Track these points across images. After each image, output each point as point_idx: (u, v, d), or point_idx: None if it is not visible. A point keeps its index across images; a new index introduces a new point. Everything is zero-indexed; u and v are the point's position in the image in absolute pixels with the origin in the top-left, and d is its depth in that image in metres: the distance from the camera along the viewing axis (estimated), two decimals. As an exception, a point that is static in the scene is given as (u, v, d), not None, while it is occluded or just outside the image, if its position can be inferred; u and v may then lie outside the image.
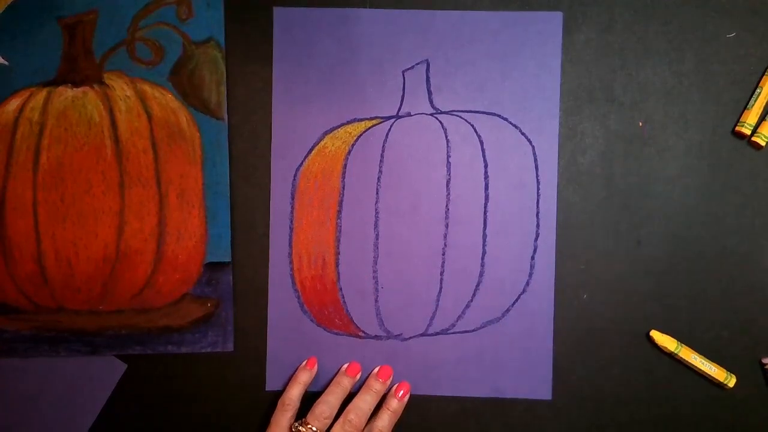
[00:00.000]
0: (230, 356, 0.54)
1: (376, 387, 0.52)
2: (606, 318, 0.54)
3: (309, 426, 0.50)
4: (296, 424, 0.50)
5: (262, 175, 0.54)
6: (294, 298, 0.54)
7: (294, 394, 0.52)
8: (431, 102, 0.54)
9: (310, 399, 0.52)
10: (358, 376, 0.53)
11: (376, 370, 0.54)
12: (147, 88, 0.53)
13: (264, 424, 0.54)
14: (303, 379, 0.53)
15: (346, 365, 0.54)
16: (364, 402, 0.51)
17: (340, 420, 0.50)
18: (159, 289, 0.54)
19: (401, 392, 0.53)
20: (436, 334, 0.54)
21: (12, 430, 0.53)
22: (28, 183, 0.53)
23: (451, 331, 0.54)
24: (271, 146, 0.54)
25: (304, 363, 0.54)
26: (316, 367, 0.54)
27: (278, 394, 0.54)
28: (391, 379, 0.53)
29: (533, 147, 0.54)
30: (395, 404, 0.52)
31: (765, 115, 0.53)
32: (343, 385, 0.52)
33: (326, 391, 0.52)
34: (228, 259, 0.54)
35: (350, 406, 0.51)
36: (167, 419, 0.54)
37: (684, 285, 0.53)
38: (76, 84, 0.53)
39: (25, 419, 0.53)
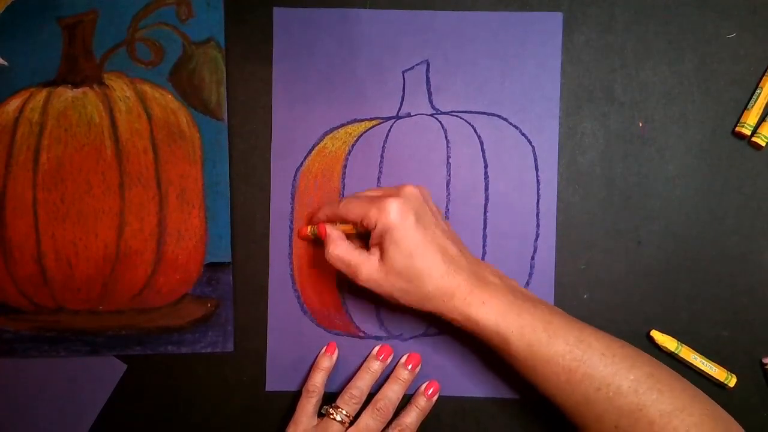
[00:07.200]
0: (230, 356, 0.54)
1: (403, 376, 0.52)
2: (606, 318, 0.54)
3: (339, 409, 0.50)
4: (326, 408, 0.50)
5: (262, 175, 0.54)
6: (294, 298, 0.54)
7: (317, 380, 0.52)
8: (431, 102, 0.54)
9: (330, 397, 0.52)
10: (389, 360, 0.53)
11: (404, 358, 0.53)
12: (147, 88, 0.53)
13: (264, 424, 0.54)
14: (324, 365, 0.52)
15: (377, 348, 0.53)
16: (392, 392, 0.51)
17: (369, 408, 0.50)
18: (159, 289, 0.54)
19: (431, 390, 0.52)
20: (437, 334, 0.54)
21: (12, 430, 0.53)
22: (28, 183, 0.53)
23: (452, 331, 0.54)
24: (271, 146, 0.54)
25: (324, 349, 0.53)
26: (336, 353, 0.53)
27: (278, 395, 0.54)
28: (419, 367, 0.53)
29: (533, 147, 0.54)
30: (423, 402, 0.52)
31: (765, 116, 0.53)
32: (372, 369, 0.52)
33: (356, 376, 0.52)
34: (228, 259, 0.54)
35: (378, 395, 0.51)
36: (167, 419, 0.54)
37: (684, 285, 0.53)
38: (76, 84, 0.53)
39: (25, 419, 0.53)
